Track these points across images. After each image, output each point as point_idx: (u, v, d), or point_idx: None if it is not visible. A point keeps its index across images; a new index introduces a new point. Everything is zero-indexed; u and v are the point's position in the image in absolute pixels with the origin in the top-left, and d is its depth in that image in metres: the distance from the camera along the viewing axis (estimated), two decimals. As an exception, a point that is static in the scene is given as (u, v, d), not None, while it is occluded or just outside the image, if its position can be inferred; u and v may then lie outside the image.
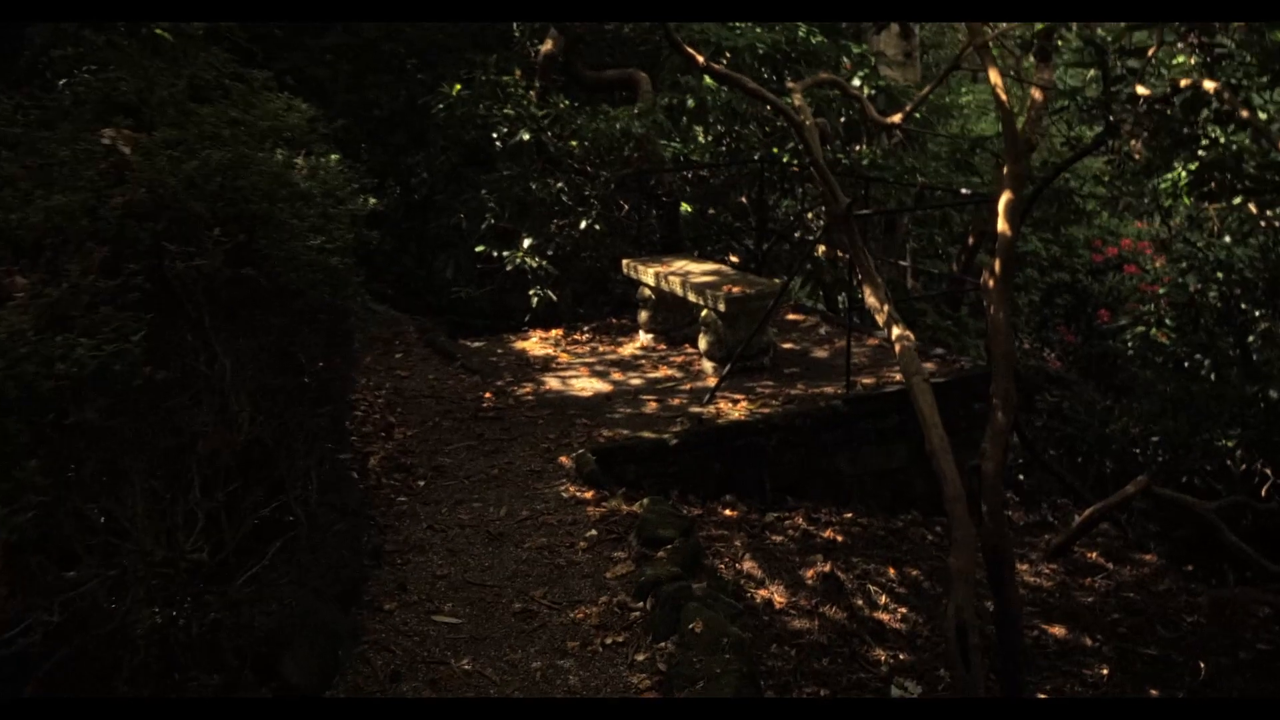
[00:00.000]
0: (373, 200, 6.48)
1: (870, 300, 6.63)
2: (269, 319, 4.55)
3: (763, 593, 6.73)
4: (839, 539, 7.62)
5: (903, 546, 7.79)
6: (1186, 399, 10.02)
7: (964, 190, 9.73)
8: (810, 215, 11.67)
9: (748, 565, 6.93)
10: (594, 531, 6.21)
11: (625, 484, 7.31)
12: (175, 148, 4.60)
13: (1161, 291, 11.51)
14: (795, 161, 11.13)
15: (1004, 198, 6.14)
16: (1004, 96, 6.32)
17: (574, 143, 10.33)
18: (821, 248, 11.75)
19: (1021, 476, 10.05)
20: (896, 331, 6.41)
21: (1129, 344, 11.36)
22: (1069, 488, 9.47)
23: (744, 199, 11.36)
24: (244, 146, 4.72)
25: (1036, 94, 6.54)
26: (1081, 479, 10.15)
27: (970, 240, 11.97)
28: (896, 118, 8.41)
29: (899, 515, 8.35)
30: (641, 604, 5.41)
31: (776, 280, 9.51)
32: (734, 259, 12.52)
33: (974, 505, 5.98)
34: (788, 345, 9.42)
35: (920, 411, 6.00)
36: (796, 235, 11.77)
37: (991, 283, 5.95)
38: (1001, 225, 6.07)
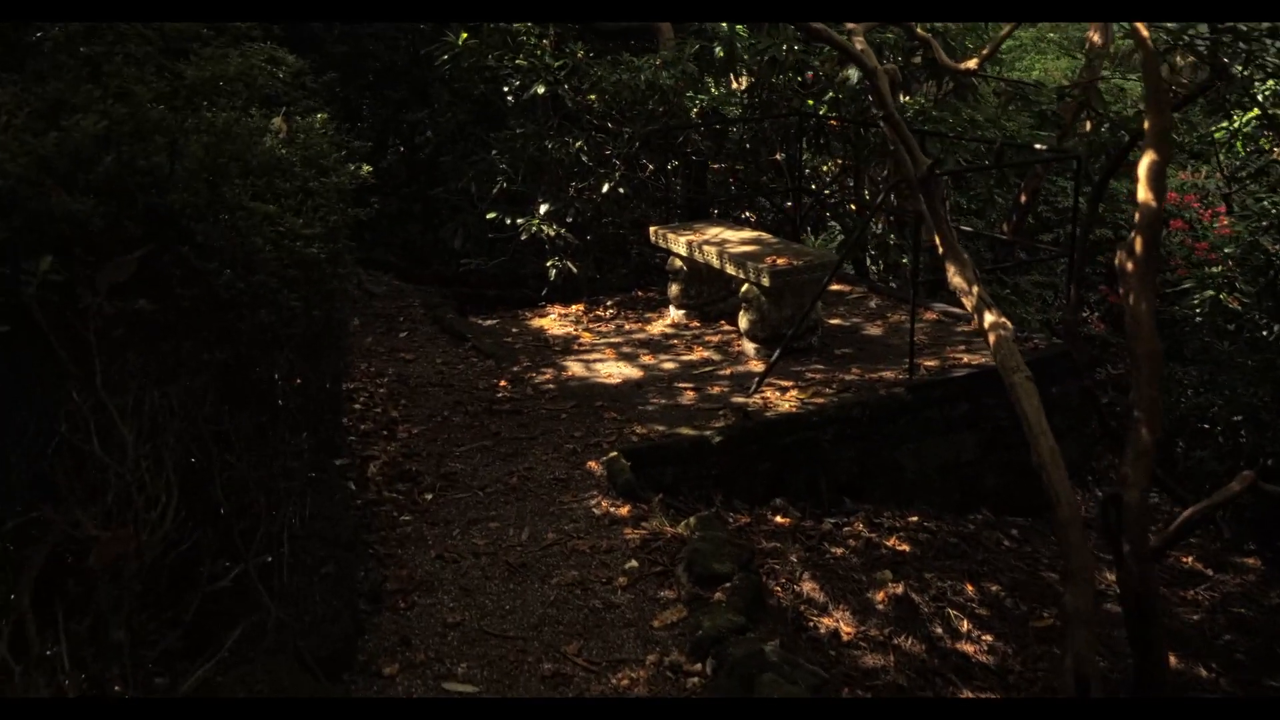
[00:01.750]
0: (366, 168, 5.34)
1: (955, 280, 5.48)
2: (211, 346, 3.39)
3: (827, 620, 5.65)
4: (907, 549, 6.51)
5: (978, 555, 6.69)
6: (1271, 373, 8.87)
7: (1039, 146, 8.53)
8: (851, 176, 10.46)
9: (807, 586, 5.84)
10: (634, 562, 5.11)
11: (662, 488, 6.25)
12: (53, 113, 3.41)
13: (1228, 251, 10.34)
14: (834, 115, 9.91)
15: (1146, 159, 4.97)
16: (1145, 33, 5.13)
17: (593, 96, 9.14)
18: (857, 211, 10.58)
19: (1095, 465, 8.92)
20: (990, 318, 5.27)
21: (1196, 310, 10.18)
22: (1157, 480, 8.32)
23: (776, 157, 10.14)
24: (166, 107, 3.48)
25: (1144, 30, 5.35)
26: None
27: (1023, 198, 10.77)
28: (972, 63, 7.20)
29: (969, 515, 7.24)
30: (699, 665, 4.32)
31: (825, 250, 8.35)
32: (750, 219, 11.35)
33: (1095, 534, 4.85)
34: (835, 321, 8.27)
35: (1024, 416, 4.88)
36: (831, 197, 10.58)
37: (1130, 265, 4.79)
38: (1143, 193, 4.91)
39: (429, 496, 5.85)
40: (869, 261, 11.08)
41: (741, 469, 6.60)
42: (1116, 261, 4.82)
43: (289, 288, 3.71)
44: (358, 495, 5.84)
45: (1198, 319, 10.22)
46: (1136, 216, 4.98)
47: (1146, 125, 5.10)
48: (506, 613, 4.76)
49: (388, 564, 5.15)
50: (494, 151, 8.96)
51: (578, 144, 8.87)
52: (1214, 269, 10.20)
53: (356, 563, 4.97)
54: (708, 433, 6.52)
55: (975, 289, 5.39)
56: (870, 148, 10.33)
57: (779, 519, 6.50)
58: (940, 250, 5.62)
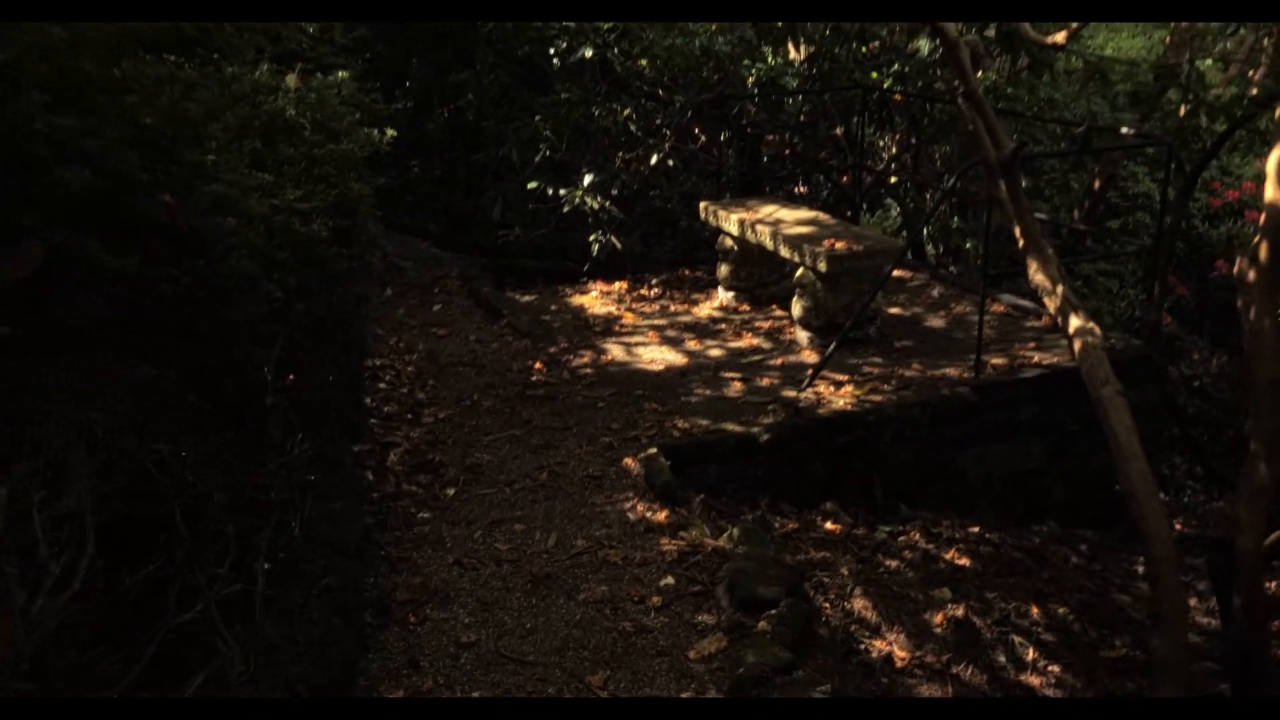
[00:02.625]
0: (390, 132, 4.80)
1: (1037, 277, 4.88)
2: (146, 358, 2.84)
3: (879, 644, 5.10)
4: (967, 563, 5.94)
5: (1044, 573, 6.09)
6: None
7: (1124, 130, 7.84)
8: (911, 154, 9.79)
9: (859, 604, 5.29)
10: (670, 579, 4.58)
11: (704, 489, 5.73)
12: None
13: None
14: (899, 89, 9.25)
15: (1276, 154, 4.32)
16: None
17: (644, 62, 8.55)
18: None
19: (1166, 471, 8.27)
20: (1076, 323, 4.66)
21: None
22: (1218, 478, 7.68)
23: (836, 131, 9.50)
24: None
25: None
26: (1224, 469, 8.37)
27: (1096, 184, 10.07)
28: (1060, 36, 6.54)
29: (1032, 527, 6.64)
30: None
31: (885, 233, 7.74)
32: (805, 196, 10.73)
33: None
34: (894, 310, 7.66)
35: (1114, 435, 4.29)
36: (892, 176, 9.92)
37: (1253, 274, 4.17)
38: (1272, 192, 4.26)
39: (451, 492, 5.34)
40: (928, 244, 10.45)
41: (790, 470, 6.05)
42: (1236, 270, 4.20)
43: (280, 271, 3.18)
44: (375, 487, 5.36)
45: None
46: (1261, 219, 4.35)
47: (1280, 113, 4.45)
48: (527, 633, 4.24)
49: (400, 569, 4.65)
50: (537, 117, 8.40)
51: (626, 112, 8.29)
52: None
53: (365, 569, 4.48)
54: (755, 430, 5.97)
55: (1060, 288, 4.78)
56: (936, 125, 9.68)
57: (829, 525, 5.96)
58: (1021, 243, 5.01)
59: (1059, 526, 6.71)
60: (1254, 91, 6.71)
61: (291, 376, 3.55)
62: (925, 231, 10.15)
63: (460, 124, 10.43)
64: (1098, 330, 4.65)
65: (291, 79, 4.59)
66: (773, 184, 9.69)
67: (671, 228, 9.50)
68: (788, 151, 9.74)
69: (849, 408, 6.23)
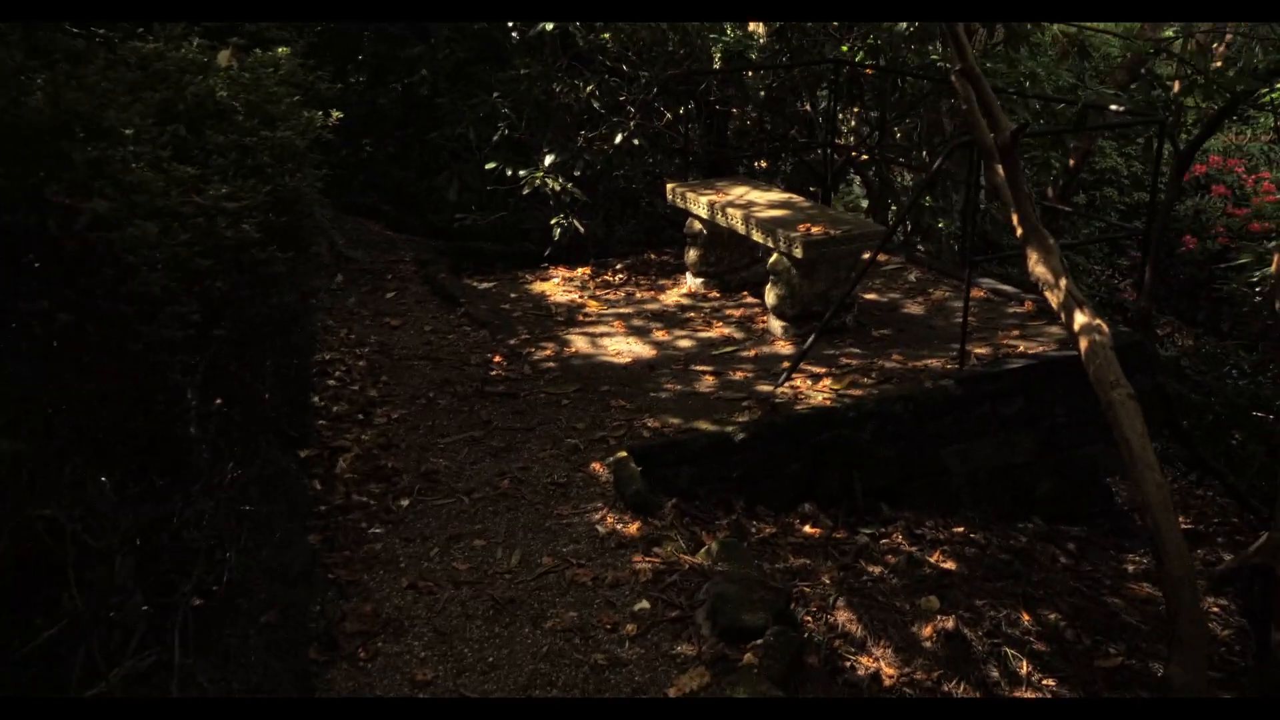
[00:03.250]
0: (335, 114, 4.33)
1: (1038, 269, 4.49)
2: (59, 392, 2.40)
3: (866, 660, 4.73)
4: (953, 567, 5.59)
5: (1033, 575, 5.74)
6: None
7: (1114, 107, 7.46)
8: (876, 130, 9.38)
9: (842, 616, 4.92)
10: (645, 603, 4.17)
11: (677, 492, 5.35)
12: None
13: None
14: (870, 63, 8.84)
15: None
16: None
17: (607, 35, 8.07)
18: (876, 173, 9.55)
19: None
20: (1082, 320, 4.28)
21: (1255, 287, 9.17)
22: (1232, 491, 7.37)
23: (806, 107, 9.08)
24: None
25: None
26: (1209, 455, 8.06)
27: (1071, 162, 9.72)
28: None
29: (1018, 524, 6.29)
30: (726, 758, 3.38)
31: (865, 219, 7.38)
32: (774, 176, 10.31)
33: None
34: (870, 296, 7.27)
35: (1125, 442, 3.92)
36: (863, 153, 9.50)
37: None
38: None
39: (405, 503, 4.90)
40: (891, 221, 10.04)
41: (767, 470, 5.66)
42: (1275, 268, 3.82)
43: (206, 280, 2.71)
44: (323, 499, 4.90)
45: (1256, 298, 9.22)
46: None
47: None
48: (489, 668, 3.82)
49: (350, 594, 4.21)
50: (495, 95, 7.90)
51: (589, 88, 7.81)
52: (1270, 242, 9.18)
53: (311, 597, 4.03)
54: (729, 429, 5.57)
55: (1063, 282, 4.40)
56: (907, 101, 9.28)
57: (808, 529, 5.58)
58: (1019, 231, 4.62)
59: (1045, 523, 6.35)
60: (1257, 65, 6.34)
61: (219, 401, 3.09)
62: (890, 207, 9.77)
63: (414, 100, 9.91)
64: (1105, 328, 4.27)
65: (224, 56, 4.11)
66: (741, 163, 9.26)
67: (635, 208, 9.07)
68: (754, 129, 9.31)
69: (828, 403, 5.84)
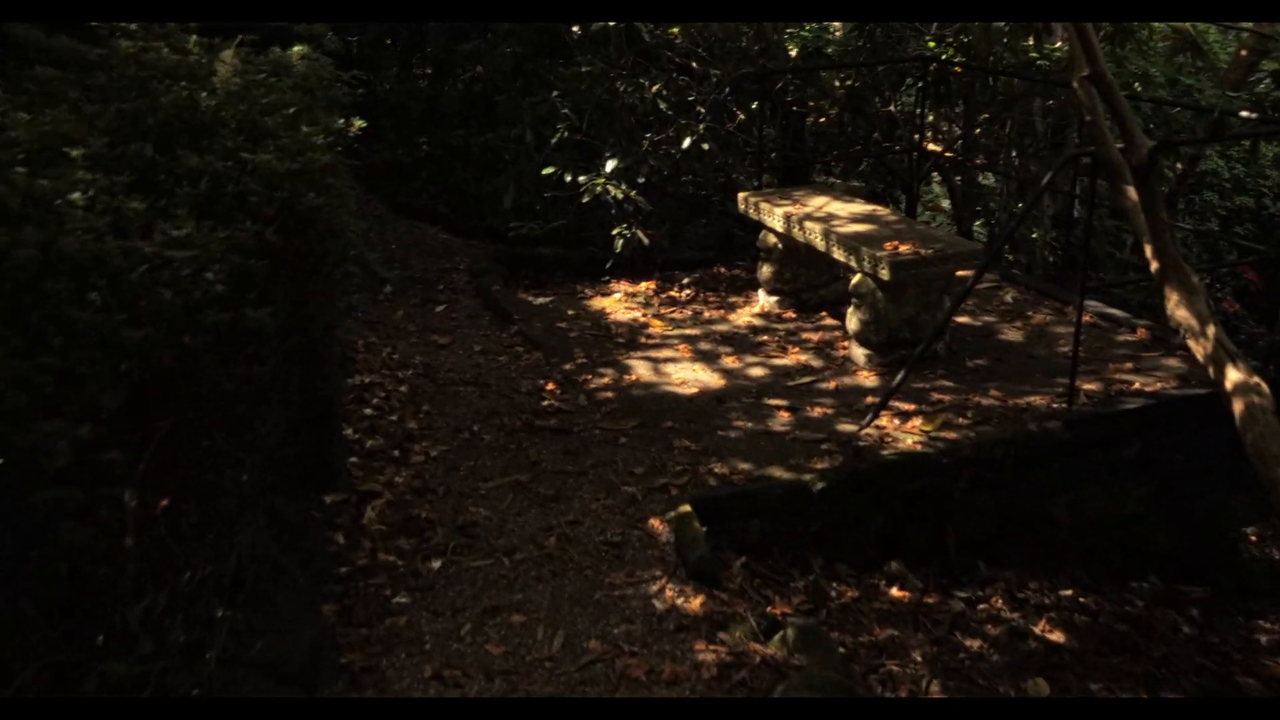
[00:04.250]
0: (358, 123, 3.65)
1: (1179, 313, 3.70)
2: None
3: (965, 761, 3.94)
4: (1061, 638, 4.82)
5: (1153, 650, 4.94)
6: None
7: (1244, 114, 6.58)
8: (964, 134, 8.54)
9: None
10: (708, 708, 3.44)
11: (746, 549, 4.64)
12: None
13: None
14: (960, 60, 8.02)
15: None
16: None
17: (675, 30, 7.32)
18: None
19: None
20: (1236, 377, 3.49)
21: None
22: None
23: (890, 109, 8.27)
24: None
25: None
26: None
27: (1179, 167, 8.80)
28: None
29: (1131, 584, 5.48)
30: None
31: (959, 238, 6.58)
32: (855, 183, 9.50)
33: None
34: (962, 319, 6.47)
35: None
36: (955, 156, 8.66)
37: None
38: None
39: (437, 564, 4.22)
40: (979, 228, 9.20)
41: (849, 524, 4.92)
42: None
43: (134, 356, 2.05)
44: (344, 556, 4.24)
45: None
46: None
47: None
48: (520, 792, 3.13)
49: (364, 684, 3.54)
50: (554, 94, 7.20)
51: (655, 87, 7.08)
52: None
53: (313, 692, 3.36)
54: (807, 477, 4.83)
55: (1211, 329, 3.60)
56: (998, 103, 8.44)
57: (896, 591, 4.83)
58: (1155, 265, 3.82)
59: (1161, 582, 5.53)
60: None
61: (165, 501, 2.43)
62: (966, 210, 8.92)
63: (473, 97, 9.25)
64: (1265, 388, 3.47)
65: (227, 57, 3.44)
66: (817, 167, 8.49)
67: (700, 212, 8.32)
68: (833, 129, 8.52)
69: (918, 447, 5.07)
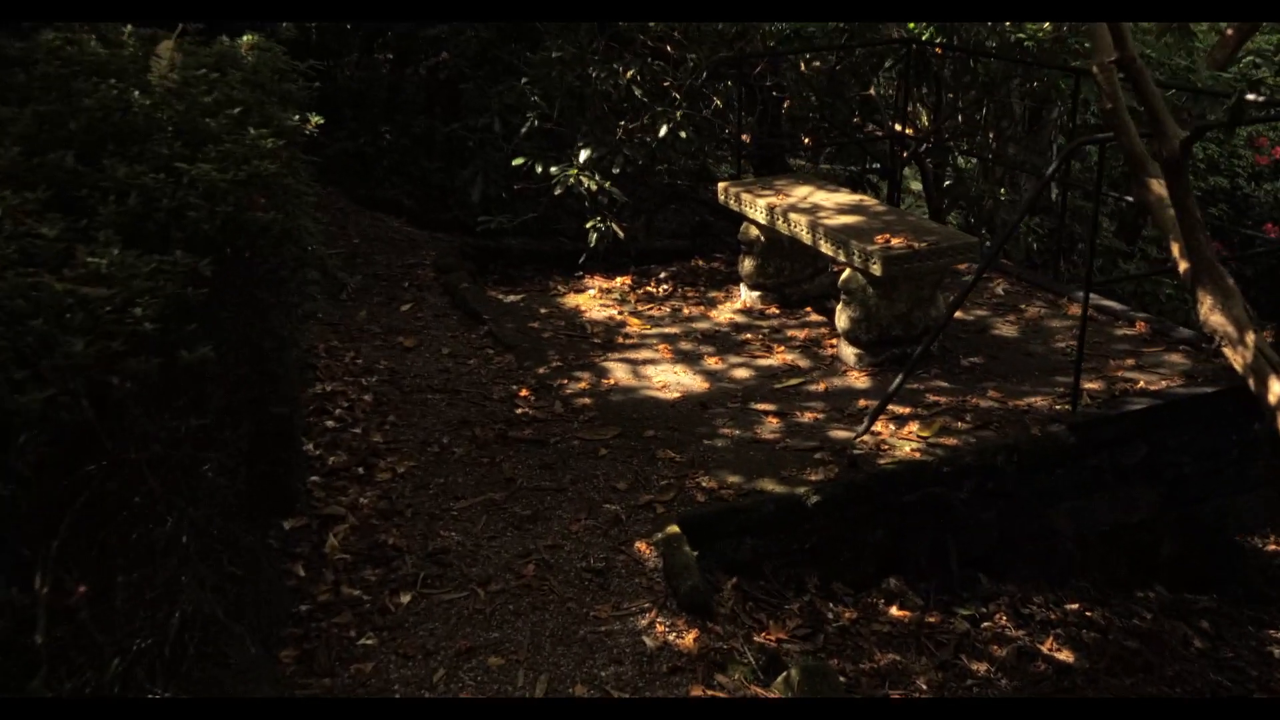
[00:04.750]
0: (315, 119, 3.26)
1: (1214, 318, 3.38)
2: None
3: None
4: (1070, 658, 4.51)
5: (1165, 668, 4.64)
6: None
7: (1251, 96, 6.29)
8: (939, 117, 8.21)
9: (946, 737, 3.81)
10: (708, 765, 3.09)
11: (737, 568, 4.33)
12: None
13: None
14: (940, 40, 7.68)
15: None
16: None
17: (649, 12, 6.91)
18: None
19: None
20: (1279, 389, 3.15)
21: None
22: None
23: (870, 93, 7.92)
24: None
25: None
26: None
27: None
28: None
29: (1137, 594, 5.18)
30: None
31: (953, 230, 6.27)
32: (833, 170, 9.16)
33: None
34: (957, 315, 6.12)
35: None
36: (927, 143, 8.33)
37: None
38: None
39: (406, 599, 3.85)
40: (950, 211, 8.86)
41: (845, 539, 4.59)
42: None
43: (29, 430, 1.66)
44: (304, 591, 3.86)
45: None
46: None
47: None
48: None
49: (325, 745, 3.16)
50: (523, 80, 6.79)
51: (629, 73, 6.69)
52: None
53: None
54: (801, 490, 4.49)
55: (1250, 337, 3.28)
56: (980, 82, 8.10)
57: (896, 611, 4.51)
58: (1183, 266, 3.49)
59: (1168, 591, 5.25)
60: None
61: (82, 589, 2.03)
62: (942, 196, 8.58)
63: (438, 84, 8.81)
64: (1313, 401, 3.14)
65: (164, 50, 3.03)
66: (793, 153, 8.14)
67: (673, 200, 7.94)
68: (811, 115, 8.16)
69: (917, 455, 4.74)
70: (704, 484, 4.54)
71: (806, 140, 7.97)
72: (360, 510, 4.39)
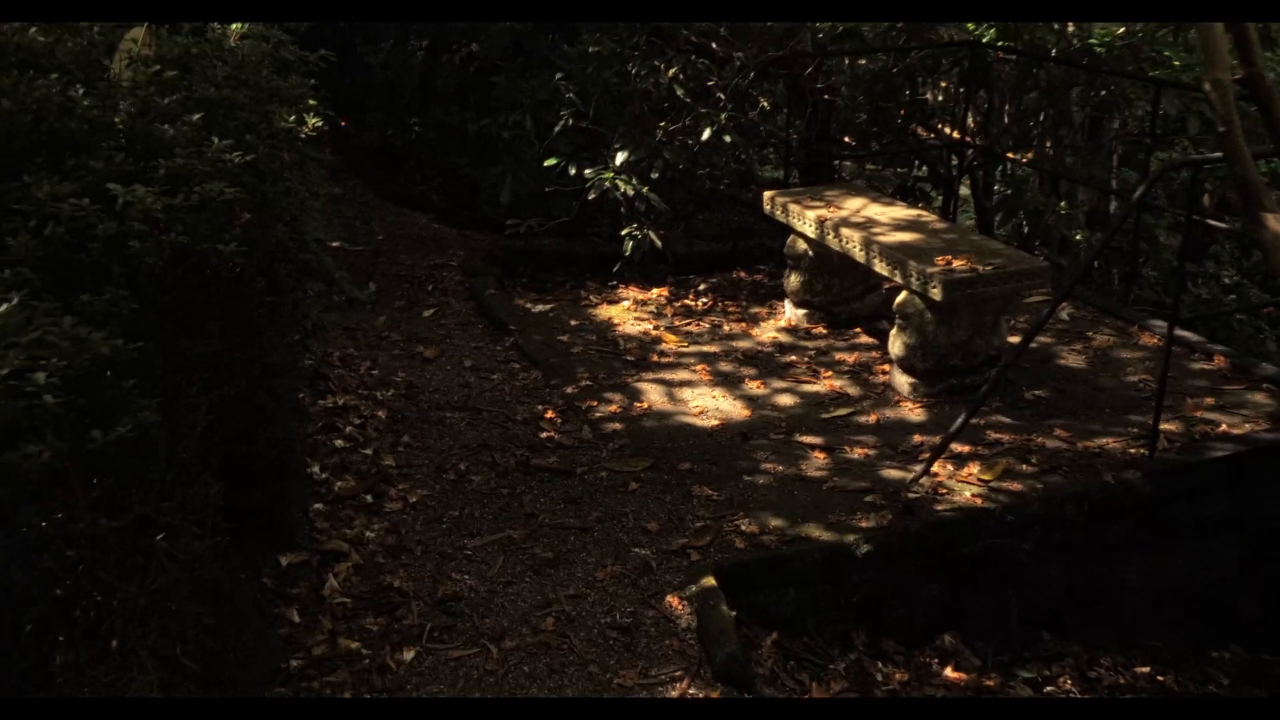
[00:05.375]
0: (313, 121, 2.86)
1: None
2: None
3: None
4: (1142, 733, 4.00)
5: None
6: None
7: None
8: (996, 125, 7.71)
9: (1008, 828, 3.36)
10: None
11: (777, 622, 3.90)
12: None
13: None
14: (1002, 44, 7.19)
15: None
16: None
17: (694, 6, 6.45)
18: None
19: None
20: None
21: None
22: None
23: (928, 96, 7.43)
24: None
25: None
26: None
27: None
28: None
29: (1212, 654, 4.70)
30: None
31: (1021, 252, 5.80)
32: (888, 177, 8.69)
33: None
34: (1013, 339, 5.64)
35: None
36: (980, 150, 7.83)
37: None
38: None
39: (409, 655, 3.43)
40: (1001, 220, 8.34)
41: (897, 593, 4.15)
42: None
43: None
44: (299, 641, 3.45)
45: None
46: None
47: None
48: None
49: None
50: (558, 75, 6.35)
51: (671, 71, 6.24)
52: None
53: None
54: (850, 538, 4.05)
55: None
56: (1042, 89, 7.60)
57: (951, 672, 4.06)
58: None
59: (1245, 652, 4.76)
60: None
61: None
62: (995, 208, 8.07)
63: (469, 75, 8.39)
64: None
65: (137, 36, 2.61)
66: (845, 160, 7.65)
67: (718, 208, 7.49)
68: (864, 119, 7.68)
69: (978, 501, 4.28)
70: (743, 527, 4.10)
71: (855, 144, 7.49)
72: (366, 546, 3.98)
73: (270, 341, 3.19)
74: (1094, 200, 9.59)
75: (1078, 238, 7.58)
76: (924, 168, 8.34)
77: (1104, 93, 7.41)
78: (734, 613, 3.59)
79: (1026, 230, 8.37)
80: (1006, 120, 8.10)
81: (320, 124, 3.06)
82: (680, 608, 3.66)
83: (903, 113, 7.54)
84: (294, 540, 3.93)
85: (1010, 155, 7.56)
